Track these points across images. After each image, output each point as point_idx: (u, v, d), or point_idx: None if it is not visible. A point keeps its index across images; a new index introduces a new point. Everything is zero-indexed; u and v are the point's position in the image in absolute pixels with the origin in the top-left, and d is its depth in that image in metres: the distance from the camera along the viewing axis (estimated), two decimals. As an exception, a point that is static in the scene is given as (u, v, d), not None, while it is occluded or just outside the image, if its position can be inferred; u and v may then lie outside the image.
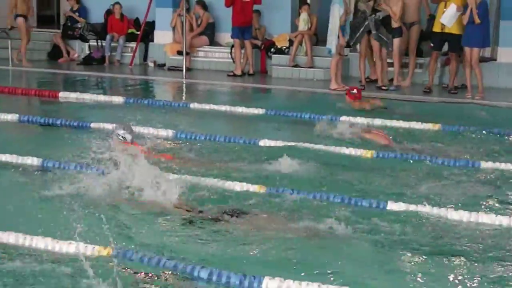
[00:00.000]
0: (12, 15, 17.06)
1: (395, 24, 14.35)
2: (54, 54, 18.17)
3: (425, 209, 7.19)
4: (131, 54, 17.52)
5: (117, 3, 17.55)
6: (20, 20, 16.93)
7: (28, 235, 6.17)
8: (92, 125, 10.59)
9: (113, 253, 5.87)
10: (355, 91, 12.39)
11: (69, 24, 18.26)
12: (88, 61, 17.53)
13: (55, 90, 13.47)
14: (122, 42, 17.60)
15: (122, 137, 8.31)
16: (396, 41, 14.44)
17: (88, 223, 6.39)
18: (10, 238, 6.19)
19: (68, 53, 18.14)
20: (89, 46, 18.01)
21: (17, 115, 11.09)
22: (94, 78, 16.10)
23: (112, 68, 17.17)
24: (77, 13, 18.33)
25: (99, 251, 5.96)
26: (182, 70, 16.06)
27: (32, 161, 8.60)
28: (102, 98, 13.02)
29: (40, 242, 6.12)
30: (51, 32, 18.88)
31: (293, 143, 9.58)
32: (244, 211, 6.95)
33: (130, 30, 17.83)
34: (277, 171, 8.33)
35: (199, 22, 17.14)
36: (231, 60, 16.66)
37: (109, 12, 18.01)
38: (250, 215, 6.89)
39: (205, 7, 17.07)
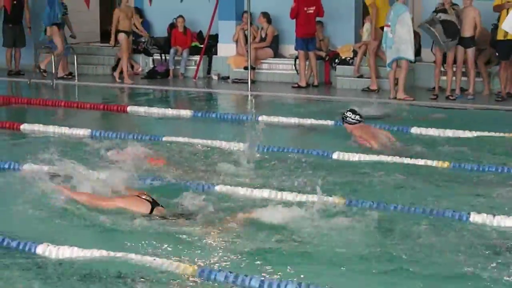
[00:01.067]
0: (114, 32, 17.06)
1: (467, 34, 14.24)
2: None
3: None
4: (195, 67, 17.59)
5: (181, 16, 17.65)
6: (122, 36, 16.93)
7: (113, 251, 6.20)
8: (164, 138, 10.62)
9: (198, 271, 5.85)
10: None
11: (133, 38, 18.38)
12: (152, 75, 17.64)
13: (123, 104, 13.56)
14: (185, 55, 17.68)
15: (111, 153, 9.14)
16: (470, 51, 14.32)
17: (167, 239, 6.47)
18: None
19: (132, 67, 18.28)
20: (153, 60, 18.13)
21: (89, 130, 11.20)
22: (159, 92, 16.18)
23: (176, 82, 17.24)
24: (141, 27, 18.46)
25: (184, 268, 5.93)
26: (246, 83, 16.10)
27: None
28: (170, 112, 13.06)
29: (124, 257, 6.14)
30: (115, 47, 19.00)
31: (366, 156, 9.53)
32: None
33: (193, 44, 17.90)
34: (356, 183, 8.28)
35: (262, 34, 17.15)
36: (295, 72, 16.65)
37: (172, 26, 18.11)
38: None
39: (269, 20, 17.07)
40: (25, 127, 11.50)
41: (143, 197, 7.11)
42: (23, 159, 9.10)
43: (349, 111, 10.45)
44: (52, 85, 16.36)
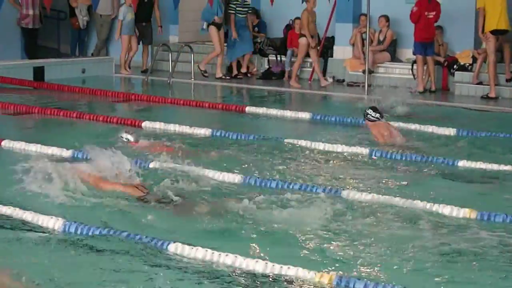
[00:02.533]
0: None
1: None
2: (232, 68, 18.41)
3: None
4: (310, 69, 17.54)
5: (298, 18, 17.61)
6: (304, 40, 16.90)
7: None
8: (286, 140, 10.58)
9: (335, 280, 5.78)
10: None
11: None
12: (267, 76, 17.67)
13: (241, 104, 13.60)
14: (301, 57, 17.65)
15: (126, 138, 9.40)
16: None
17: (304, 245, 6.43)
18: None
19: (247, 67, 18.35)
20: (268, 60, 18.17)
21: (210, 129, 11.27)
22: (274, 92, 16.19)
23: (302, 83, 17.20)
24: (256, 28, 18.54)
25: (320, 277, 5.88)
26: (361, 86, 16.00)
27: (233, 178, 8.66)
28: (288, 113, 13.00)
29: (252, 264, 6.10)
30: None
31: (488, 165, 9.31)
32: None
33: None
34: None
35: (380, 37, 16.98)
36: (412, 77, 16.42)
37: (288, 27, 18.11)
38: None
39: (388, 22, 16.89)
40: (146, 124, 11.65)
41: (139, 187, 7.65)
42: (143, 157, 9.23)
43: (371, 108, 10.73)
44: (169, 82, 16.61)
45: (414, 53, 16.08)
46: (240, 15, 17.47)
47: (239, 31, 17.41)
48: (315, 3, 16.62)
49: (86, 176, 7.74)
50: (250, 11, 17.97)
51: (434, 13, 15.69)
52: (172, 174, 8.29)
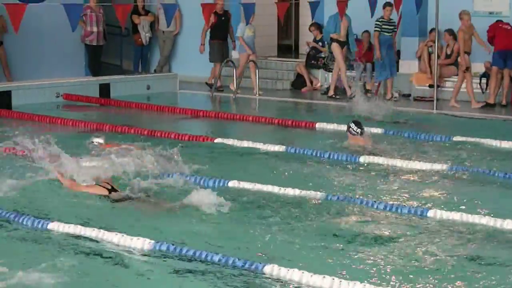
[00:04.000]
0: None
1: None
2: (298, 83, 18.33)
3: None
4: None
5: (366, 31, 17.41)
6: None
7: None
8: (361, 159, 10.44)
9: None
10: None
11: (313, 53, 18.35)
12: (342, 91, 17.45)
13: (311, 121, 13.44)
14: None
15: (96, 142, 10.03)
16: None
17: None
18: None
19: (311, 82, 18.24)
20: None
21: (284, 146, 11.16)
22: (340, 108, 15.96)
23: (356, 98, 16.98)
24: (320, 43, 18.42)
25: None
26: (428, 101, 15.78)
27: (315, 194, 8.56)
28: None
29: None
30: (294, 61, 19.07)
31: None
32: None
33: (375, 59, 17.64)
34: None
35: (447, 51, 16.74)
36: (480, 90, 16.16)
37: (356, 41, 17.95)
38: None
39: (454, 37, 16.61)
40: (218, 140, 11.59)
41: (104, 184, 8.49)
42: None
43: (353, 122, 11.32)
44: (234, 98, 16.57)
45: (492, 65, 15.77)
46: (386, 34, 16.74)
47: (386, 51, 16.70)
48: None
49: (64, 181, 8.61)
50: (395, 30, 17.14)
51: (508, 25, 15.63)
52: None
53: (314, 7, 15.41)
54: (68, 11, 12.19)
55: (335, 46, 16.84)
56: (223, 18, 17.86)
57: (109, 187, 8.51)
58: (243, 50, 17.54)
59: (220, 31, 17.89)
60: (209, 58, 18.04)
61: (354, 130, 11.17)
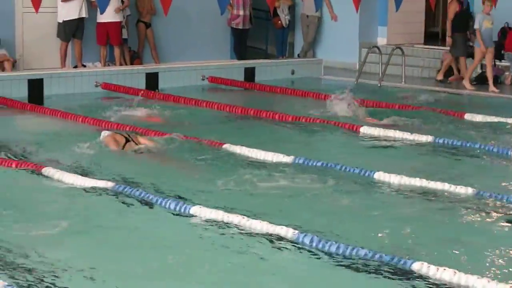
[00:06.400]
0: None
1: None
2: (445, 72, 17.82)
3: None
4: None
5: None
6: None
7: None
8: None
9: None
10: None
11: (461, 41, 17.77)
12: (481, 81, 16.89)
13: (459, 111, 13.01)
14: (518, 61, 16.81)
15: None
16: None
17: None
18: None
19: (458, 71, 17.69)
20: (482, 65, 17.36)
21: (432, 136, 10.83)
22: (485, 98, 15.42)
23: (504, 88, 16.39)
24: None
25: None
26: None
27: (466, 190, 8.23)
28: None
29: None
30: (441, 49, 18.56)
31: None
32: None
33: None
34: None
35: None
36: None
37: (504, 30, 17.29)
38: None
39: None
40: (363, 129, 11.37)
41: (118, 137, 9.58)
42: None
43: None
44: (379, 86, 16.26)
45: None
46: None
47: None
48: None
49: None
50: None
51: None
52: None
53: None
54: (218, -5, 12.20)
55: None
56: (464, 7, 17.05)
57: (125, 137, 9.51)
58: (478, 44, 16.21)
59: (462, 22, 16.86)
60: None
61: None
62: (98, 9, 14.85)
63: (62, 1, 15.78)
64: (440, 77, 17.12)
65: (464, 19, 16.68)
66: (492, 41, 16.23)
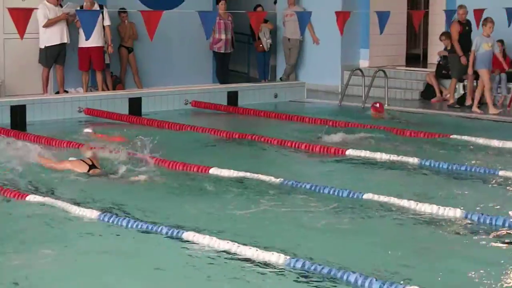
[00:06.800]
0: None
1: None
2: (427, 93, 17.88)
3: None
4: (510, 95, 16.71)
5: (500, 40, 16.84)
6: None
7: None
8: (501, 173, 10.02)
9: None
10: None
11: (443, 63, 17.85)
12: (461, 102, 16.92)
13: (445, 133, 12.98)
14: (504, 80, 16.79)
15: (86, 132, 12.27)
16: None
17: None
18: None
19: (441, 92, 17.76)
20: (464, 86, 17.43)
21: (417, 159, 10.82)
22: (468, 120, 15.39)
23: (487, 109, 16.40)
24: (451, 52, 17.89)
25: None
26: None
27: (455, 212, 8.21)
28: (495, 143, 12.31)
29: None
30: (424, 71, 18.65)
31: None
32: None
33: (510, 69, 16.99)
34: None
35: None
36: None
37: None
38: None
39: None
40: (350, 152, 11.33)
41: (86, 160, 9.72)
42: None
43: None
44: (363, 107, 16.25)
45: None
46: None
47: None
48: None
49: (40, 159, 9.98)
50: None
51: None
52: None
53: (449, 15, 14.95)
54: (203, 18, 12.17)
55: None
56: (467, 27, 16.85)
57: (90, 163, 9.60)
58: (481, 66, 16.03)
59: (465, 41, 16.66)
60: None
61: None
62: (79, 34, 14.82)
63: (43, 26, 15.66)
64: (451, 100, 16.96)
65: (466, 40, 16.66)
66: (490, 64, 16.21)
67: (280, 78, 19.41)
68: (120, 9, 17.00)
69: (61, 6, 15.92)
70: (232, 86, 16.91)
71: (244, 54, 20.15)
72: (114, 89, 16.78)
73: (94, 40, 15.73)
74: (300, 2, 19.14)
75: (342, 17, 14.40)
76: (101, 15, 15.16)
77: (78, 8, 15.75)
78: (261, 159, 11.38)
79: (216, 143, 12.25)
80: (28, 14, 12.41)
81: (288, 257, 6.60)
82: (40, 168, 9.89)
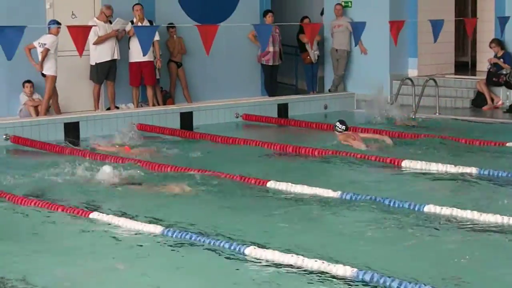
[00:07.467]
0: None
1: None
2: (478, 101, 17.72)
3: None
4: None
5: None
6: None
7: None
8: None
9: None
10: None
11: (494, 70, 17.68)
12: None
13: (501, 140, 12.83)
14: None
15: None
16: None
17: None
18: None
19: (492, 100, 17.59)
20: (516, 93, 17.28)
21: (475, 168, 10.70)
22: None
23: None
24: (502, 59, 17.73)
25: None
26: None
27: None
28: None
29: None
30: (474, 79, 18.48)
31: None
32: None
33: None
34: None
35: None
36: None
37: None
38: None
39: None
40: (406, 164, 11.25)
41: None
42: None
43: (338, 121, 12.99)
44: (413, 117, 16.12)
45: None
46: None
47: None
48: None
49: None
50: None
51: None
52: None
53: (503, 22, 14.79)
54: (259, 31, 12.18)
55: None
56: None
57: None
58: None
59: None
60: None
61: (339, 128, 12.81)
62: (130, 50, 14.97)
63: (94, 43, 15.80)
64: None
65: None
66: None
67: (329, 90, 19.34)
68: (169, 24, 17.08)
69: (111, 23, 16.05)
70: (282, 98, 16.93)
71: (291, 66, 20.13)
72: (164, 104, 16.86)
73: (145, 55, 15.83)
74: (347, 13, 19.08)
75: (396, 27, 14.32)
76: (149, 30, 15.24)
77: (128, 25, 15.87)
78: (315, 171, 11.31)
79: (271, 156, 12.24)
80: (86, 32, 12.54)
81: (355, 269, 6.57)
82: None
